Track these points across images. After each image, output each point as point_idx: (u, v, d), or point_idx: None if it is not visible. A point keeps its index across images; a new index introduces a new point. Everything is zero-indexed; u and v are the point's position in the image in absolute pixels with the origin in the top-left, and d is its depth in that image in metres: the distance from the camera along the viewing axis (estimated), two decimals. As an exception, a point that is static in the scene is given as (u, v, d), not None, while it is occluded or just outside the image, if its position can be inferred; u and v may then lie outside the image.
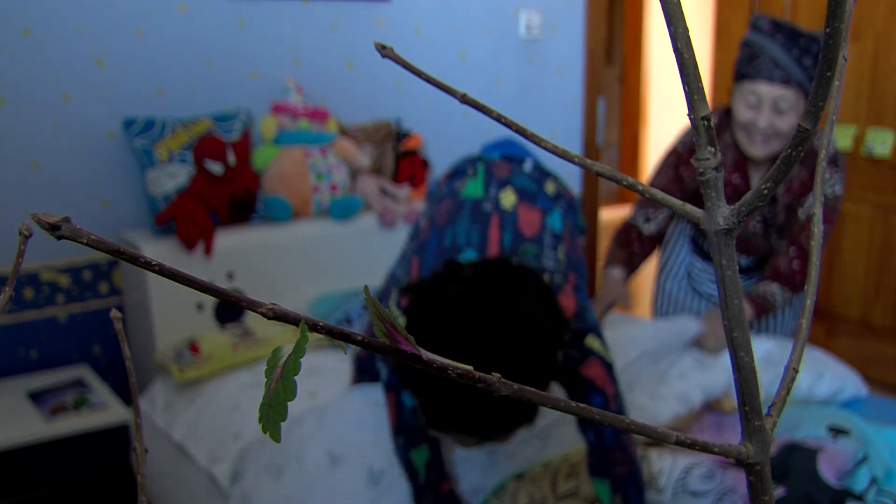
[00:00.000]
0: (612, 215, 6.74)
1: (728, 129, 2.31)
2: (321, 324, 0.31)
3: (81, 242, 0.29)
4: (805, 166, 2.30)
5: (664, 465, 1.88)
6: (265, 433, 0.28)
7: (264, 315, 0.30)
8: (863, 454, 1.87)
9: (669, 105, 6.97)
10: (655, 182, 2.45)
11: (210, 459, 2.21)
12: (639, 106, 7.00)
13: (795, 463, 1.83)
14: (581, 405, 0.34)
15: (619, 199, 7.07)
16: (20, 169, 2.63)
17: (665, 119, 7.00)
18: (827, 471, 1.82)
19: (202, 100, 2.88)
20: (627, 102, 7.07)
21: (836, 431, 1.97)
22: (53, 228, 0.28)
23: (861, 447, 1.90)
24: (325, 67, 3.12)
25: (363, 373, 2.19)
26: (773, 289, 2.28)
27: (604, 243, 4.67)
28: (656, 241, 2.50)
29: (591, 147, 3.82)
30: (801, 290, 2.32)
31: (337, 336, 0.31)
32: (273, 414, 0.28)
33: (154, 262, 0.30)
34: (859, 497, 1.78)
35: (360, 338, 0.31)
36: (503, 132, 3.59)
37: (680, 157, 2.43)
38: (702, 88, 0.36)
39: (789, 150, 0.34)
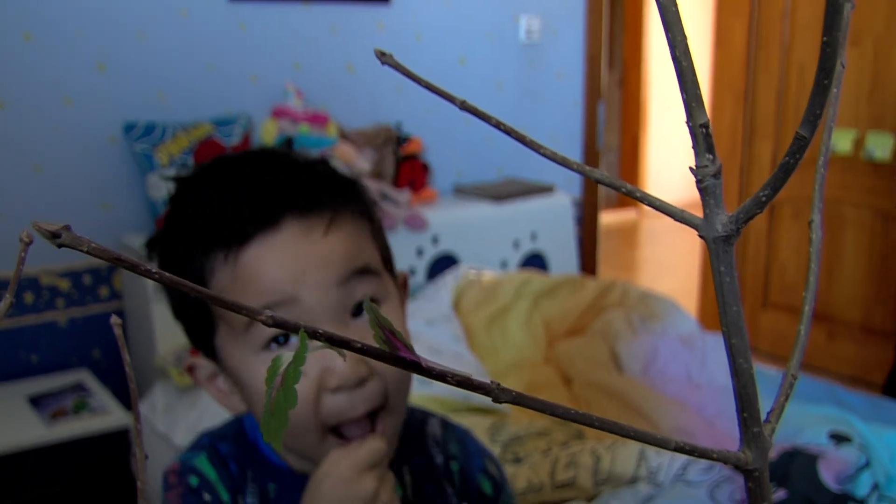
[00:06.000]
0: (613, 219, 6.75)
1: None
2: (321, 331, 0.31)
3: (81, 250, 0.29)
4: None
5: (662, 461, 1.88)
6: (267, 442, 0.28)
7: (263, 323, 0.30)
8: (865, 460, 1.87)
9: (669, 109, 6.98)
10: None
11: (210, 464, 2.21)
12: (639, 110, 7.01)
13: (795, 467, 1.83)
14: (580, 412, 0.34)
15: (619, 204, 7.08)
16: (21, 173, 2.63)
17: (665, 123, 7.00)
18: (827, 475, 1.82)
19: (203, 104, 2.89)
20: (627, 106, 7.08)
21: (838, 438, 1.97)
22: (54, 237, 0.28)
23: (863, 453, 1.90)
24: (325, 71, 3.13)
25: None
26: None
27: (604, 248, 4.67)
28: None
29: (591, 151, 3.82)
30: None
31: (336, 343, 0.31)
32: (275, 422, 0.28)
33: (155, 271, 0.30)
34: (861, 502, 1.78)
35: (359, 345, 0.31)
36: (504, 137, 3.59)
37: None
38: (700, 96, 0.36)
39: (787, 158, 0.34)
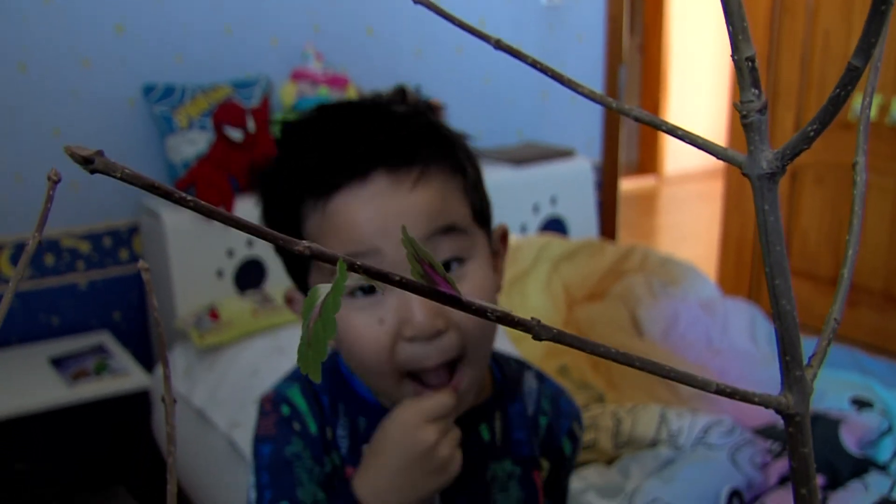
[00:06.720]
0: (632, 186, 6.71)
1: None
2: (358, 263, 0.30)
3: (115, 176, 0.28)
4: None
5: (683, 424, 1.88)
6: (305, 373, 0.28)
7: (301, 253, 0.30)
8: (887, 425, 1.86)
9: (690, 76, 6.91)
10: None
11: (230, 424, 2.22)
12: (659, 76, 6.94)
13: (817, 432, 1.82)
14: (621, 352, 0.34)
15: (639, 170, 7.03)
16: (41, 136, 2.63)
17: (685, 90, 6.94)
18: (849, 440, 1.81)
19: (222, 66, 2.87)
20: (648, 72, 7.02)
21: (860, 404, 1.96)
22: (87, 162, 0.28)
23: (885, 419, 1.89)
24: (344, 34, 3.10)
25: None
26: None
27: (624, 215, 4.65)
28: None
29: (612, 114, 3.79)
30: None
31: (374, 276, 0.30)
32: (312, 353, 0.27)
33: (189, 198, 0.29)
34: (882, 467, 1.78)
35: (397, 278, 0.30)
36: (526, 95, 3.57)
37: None
38: (746, 29, 0.35)
39: (838, 90, 0.33)
